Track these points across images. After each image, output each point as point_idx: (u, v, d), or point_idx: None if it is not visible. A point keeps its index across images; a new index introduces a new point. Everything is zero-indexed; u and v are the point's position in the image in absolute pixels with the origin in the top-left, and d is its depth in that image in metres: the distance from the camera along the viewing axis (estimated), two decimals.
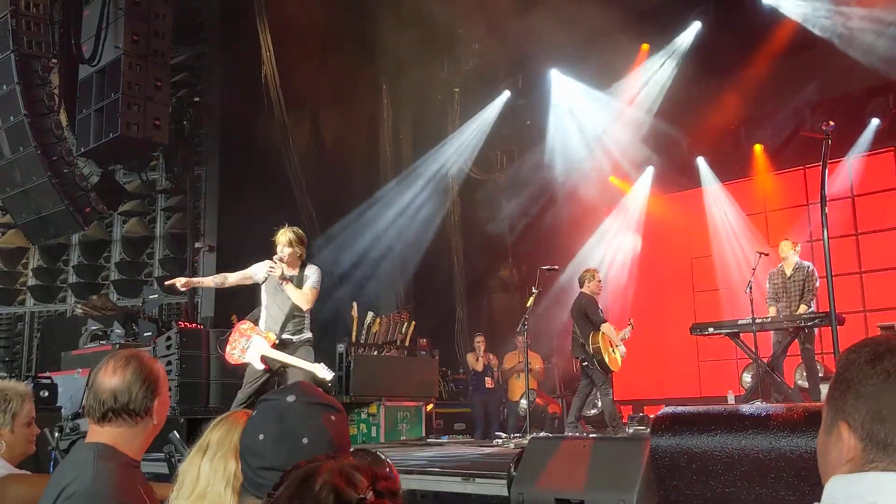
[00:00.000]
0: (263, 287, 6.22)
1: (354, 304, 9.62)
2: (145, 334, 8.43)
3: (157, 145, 10.29)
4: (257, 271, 6.23)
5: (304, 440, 1.51)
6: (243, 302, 10.19)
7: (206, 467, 2.07)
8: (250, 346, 6.05)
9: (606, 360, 8.12)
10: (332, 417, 1.56)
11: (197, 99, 11.43)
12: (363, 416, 8.87)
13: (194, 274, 10.98)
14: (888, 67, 9.64)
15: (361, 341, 9.43)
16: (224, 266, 11.08)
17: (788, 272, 8.40)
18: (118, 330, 8.94)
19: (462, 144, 12.94)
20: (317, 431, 1.53)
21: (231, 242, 10.99)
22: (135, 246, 11.61)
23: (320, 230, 11.38)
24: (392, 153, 13.24)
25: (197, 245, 11.12)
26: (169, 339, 7.64)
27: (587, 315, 8.23)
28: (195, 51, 11.56)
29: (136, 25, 9.57)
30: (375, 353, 9.53)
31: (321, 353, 9.54)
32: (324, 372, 6.03)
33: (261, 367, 5.99)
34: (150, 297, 8.99)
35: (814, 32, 10.06)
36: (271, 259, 6.16)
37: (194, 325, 8.58)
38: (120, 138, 9.37)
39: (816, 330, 7.97)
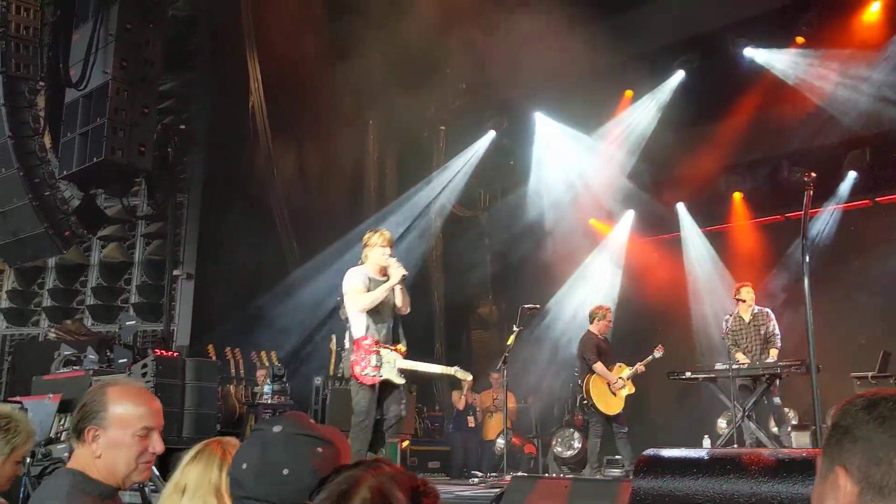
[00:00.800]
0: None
1: (333, 337, 9.57)
2: (120, 361, 8.29)
3: (141, 171, 10.23)
4: (364, 280, 5.89)
5: (285, 472, 1.48)
6: (220, 331, 10.13)
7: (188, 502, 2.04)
8: (383, 363, 5.72)
9: (597, 403, 8.15)
10: (319, 450, 1.52)
11: (183, 126, 11.42)
12: None
13: (171, 301, 10.90)
14: (865, 121, 9.88)
15: (339, 375, 9.36)
16: (202, 295, 11.06)
17: (747, 318, 8.51)
18: (92, 356, 8.77)
19: (446, 181, 13.03)
20: (300, 464, 1.49)
21: (210, 271, 10.93)
22: (112, 271, 11.49)
23: (301, 261, 11.36)
24: (376, 187, 13.28)
25: (175, 272, 11.04)
26: (145, 366, 7.52)
27: (583, 355, 8.31)
28: (183, 78, 11.59)
29: (126, 52, 9.55)
30: None
31: (298, 385, 9.52)
32: (462, 373, 5.98)
33: (402, 381, 5.76)
34: (127, 323, 8.87)
35: (793, 85, 10.29)
36: (366, 266, 5.89)
37: (170, 353, 8.47)
38: (104, 163, 9.30)
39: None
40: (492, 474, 8.22)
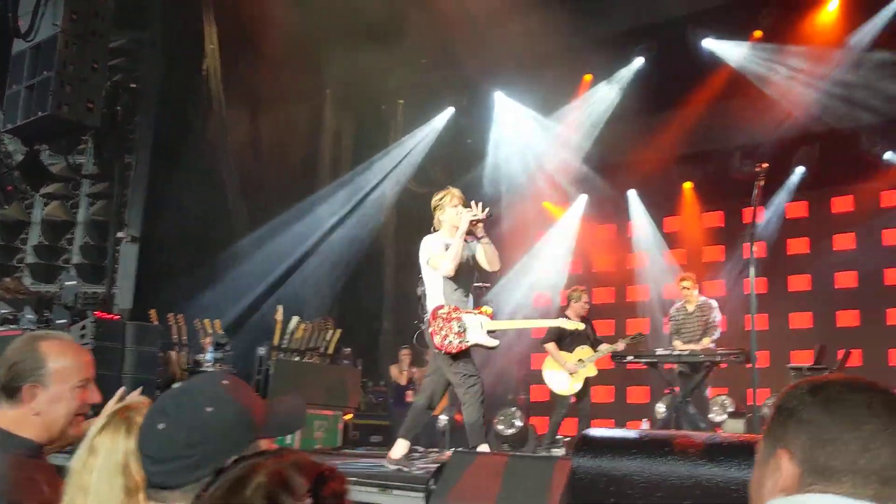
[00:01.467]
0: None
1: (280, 308, 9.47)
2: (59, 321, 8.10)
3: (88, 128, 9.94)
4: (442, 246, 5.39)
5: (160, 426, 1.47)
6: (164, 296, 9.95)
7: (96, 485, 1.94)
8: (467, 328, 5.30)
9: (549, 383, 8.21)
10: (209, 409, 1.47)
11: (133, 85, 11.11)
12: None
13: (115, 263, 10.66)
14: (815, 119, 10.07)
15: (283, 346, 9.28)
16: (146, 258, 10.83)
17: (691, 308, 8.64)
18: (30, 315, 8.55)
19: (403, 156, 12.93)
20: (178, 419, 1.46)
21: (156, 235, 10.71)
22: (54, 230, 11.17)
23: (251, 229, 11.21)
24: (331, 159, 13.13)
25: (119, 234, 10.79)
26: (84, 328, 7.36)
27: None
28: (136, 36, 11.26)
29: (76, 4, 9.23)
30: (297, 358, 9.39)
31: (242, 354, 9.42)
32: (572, 324, 6.03)
33: (494, 343, 5.37)
34: (68, 283, 8.67)
35: (749, 79, 10.42)
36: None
37: (111, 315, 8.30)
38: (50, 118, 9.00)
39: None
40: (433, 450, 8.23)
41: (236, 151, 11.51)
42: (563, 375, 8.23)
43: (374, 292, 13.29)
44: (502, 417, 10.31)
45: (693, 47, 10.64)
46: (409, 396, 10.76)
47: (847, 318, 10.67)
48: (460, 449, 4.79)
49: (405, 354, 11.02)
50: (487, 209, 5.40)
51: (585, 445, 3.17)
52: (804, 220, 11.28)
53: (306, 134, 12.95)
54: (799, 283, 11.14)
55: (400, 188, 13.23)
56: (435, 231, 5.65)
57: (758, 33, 10.32)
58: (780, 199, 11.01)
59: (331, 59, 12.36)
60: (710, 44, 10.63)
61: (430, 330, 5.41)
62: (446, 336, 5.28)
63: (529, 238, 12.77)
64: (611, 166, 12.00)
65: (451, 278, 5.39)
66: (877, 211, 10.79)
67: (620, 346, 8.40)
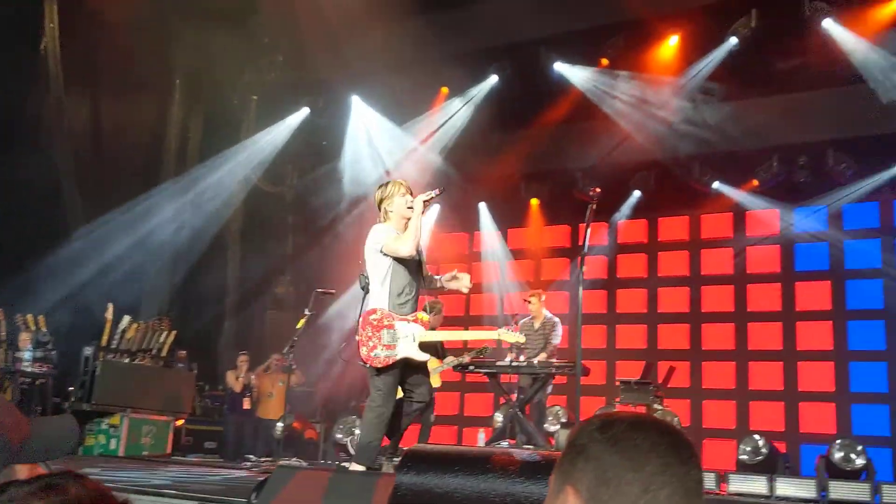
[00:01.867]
0: (406, 260, 5.00)
1: (110, 306, 9.00)
2: None
3: None
4: (393, 235, 4.96)
5: None
6: (12, 289, 9.21)
7: None
8: (399, 339, 4.84)
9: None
10: None
11: None
12: (103, 426, 8.25)
13: None
14: (653, 146, 10.64)
15: (113, 346, 8.82)
16: None
17: (536, 325, 8.90)
18: None
19: (253, 153, 12.58)
20: None
21: None
22: None
23: (86, 221, 10.59)
24: (177, 151, 12.58)
25: None
26: None
27: None
28: None
29: None
30: (127, 360, 8.95)
31: (64, 356, 8.85)
32: (509, 335, 5.69)
33: (424, 357, 4.92)
34: None
35: (594, 103, 10.87)
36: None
37: None
38: None
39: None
40: (265, 459, 8.05)
41: (74, 137, 10.87)
42: None
43: (215, 292, 12.85)
44: (342, 426, 10.20)
45: (544, 70, 11.00)
46: (246, 403, 10.47)
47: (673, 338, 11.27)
48: (283, 462, 4.66)
49: (243, 360, 10.72)
50: (439, 188, 5.18)
51: (409, 462, 3.18)
52: (636, 241, 11.86)
53: (151, 123, 12.39)
54: (628, 302, 11.70)
55: (249, 185, 12.87)
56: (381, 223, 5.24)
57: (604, 61, 10.80)
58: (617, 220, 11.56)
59: (181, 47, 11.88)
60: (560, 67, 11.02)
61: (357, 338, 4.95)
62: (374, 347, 4.82)
63: None
64: (462, 179, 12.18)
65: (401, 270, 4.99)
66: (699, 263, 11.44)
67: (466, 358, 8.49)
